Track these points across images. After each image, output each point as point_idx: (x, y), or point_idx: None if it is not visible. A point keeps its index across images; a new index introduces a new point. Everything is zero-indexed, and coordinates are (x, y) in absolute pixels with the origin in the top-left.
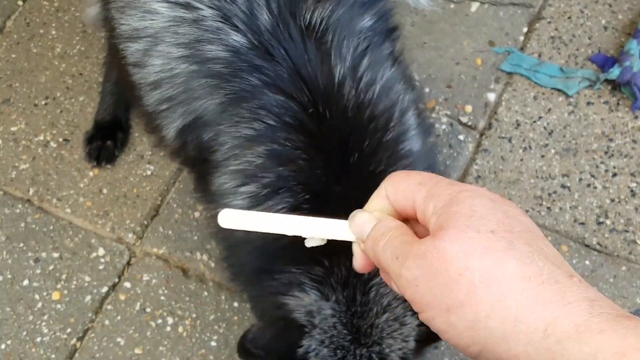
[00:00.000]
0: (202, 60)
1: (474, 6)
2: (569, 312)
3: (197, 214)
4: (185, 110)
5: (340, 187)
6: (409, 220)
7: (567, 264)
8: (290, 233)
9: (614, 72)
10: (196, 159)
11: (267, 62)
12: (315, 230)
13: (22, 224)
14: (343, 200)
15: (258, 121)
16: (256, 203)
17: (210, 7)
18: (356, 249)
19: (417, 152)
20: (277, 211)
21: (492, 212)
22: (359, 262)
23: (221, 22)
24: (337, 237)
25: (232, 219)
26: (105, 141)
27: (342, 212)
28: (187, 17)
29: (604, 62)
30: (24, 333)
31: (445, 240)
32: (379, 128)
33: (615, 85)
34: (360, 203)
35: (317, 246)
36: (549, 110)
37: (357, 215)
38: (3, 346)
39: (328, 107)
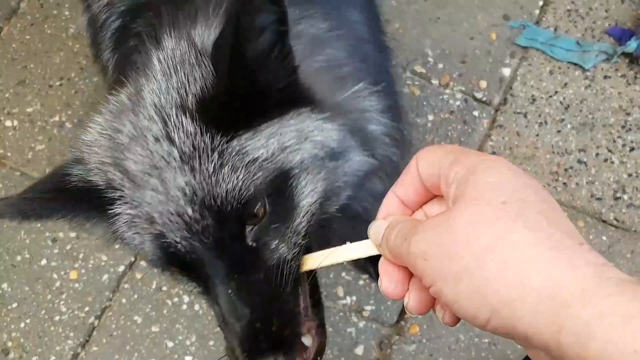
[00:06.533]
0: None
1: None
2: (577, 275)
3: None
4: None
5: None
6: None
7: (580, 235)
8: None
9: (632, 45)
10: None
11: None
12: (350, 254)
13: None
14: None
15: None
16: None
17: None
18: (383, 266)
19: None
20: None
21: (508, 182)
22: (386, 283)
23: None
24: (366, 254)
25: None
26: None
27: None
28: None
29: (621, 35)
30: (43, 312)
31: (455, 212)
32: None
33: (632, 59)
34: None
35: None
36: (565, 84)
37: (373, 225)
38: (22, 325)
39: None
